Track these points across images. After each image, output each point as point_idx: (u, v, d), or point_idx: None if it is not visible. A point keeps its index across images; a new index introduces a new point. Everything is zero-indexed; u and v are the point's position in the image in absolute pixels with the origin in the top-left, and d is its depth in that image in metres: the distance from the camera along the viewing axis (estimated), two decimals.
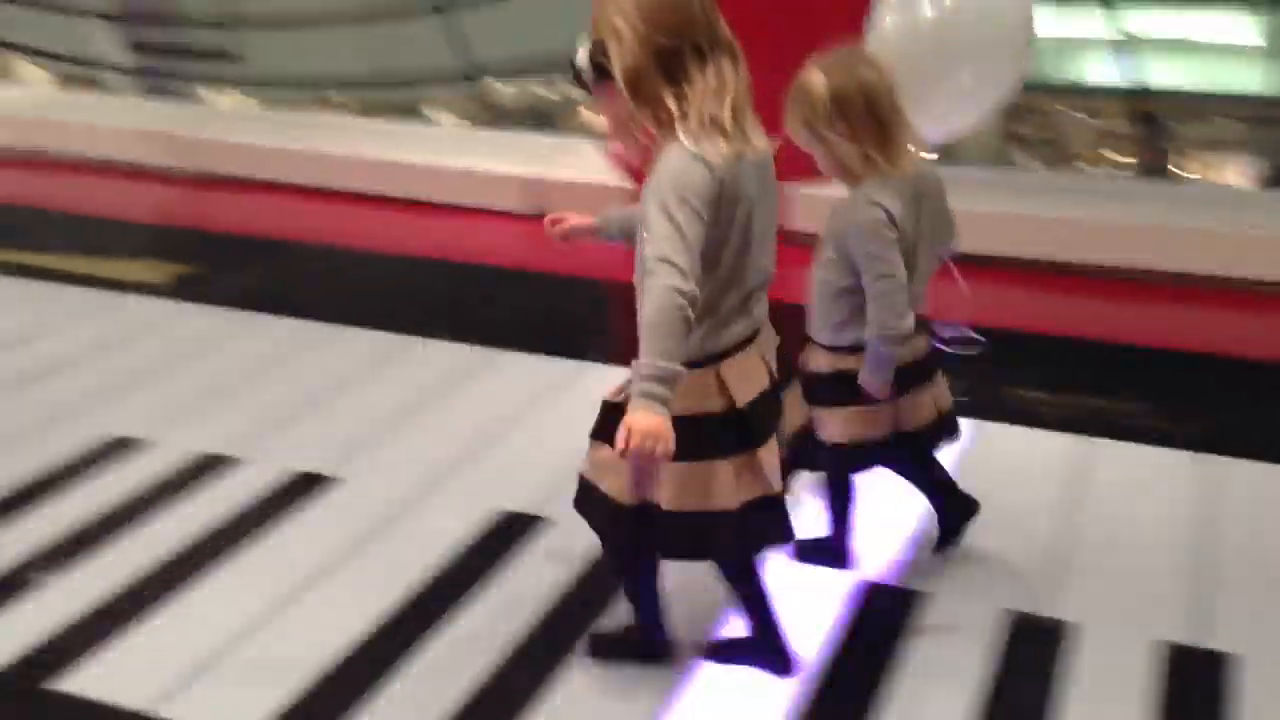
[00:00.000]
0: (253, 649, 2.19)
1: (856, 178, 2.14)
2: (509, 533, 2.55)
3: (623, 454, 1.68)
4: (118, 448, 2.94)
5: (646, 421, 1.67)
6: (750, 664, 2.12)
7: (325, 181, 5.04)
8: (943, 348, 2.46)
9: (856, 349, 2.18)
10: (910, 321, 2.13)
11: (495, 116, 5.73)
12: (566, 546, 2.47)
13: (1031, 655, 2.13)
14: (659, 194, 1.73)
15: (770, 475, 1.93)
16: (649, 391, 1.68)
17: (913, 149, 2.15)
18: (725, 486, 1.89)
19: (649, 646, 2.14)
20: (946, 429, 2.34)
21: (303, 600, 2.33)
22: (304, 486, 2.75)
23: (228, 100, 6.06)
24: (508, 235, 4.57)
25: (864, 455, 2.30)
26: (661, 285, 1.70)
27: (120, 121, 5.50)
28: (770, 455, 1.94)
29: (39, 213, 4.99)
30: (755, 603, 2.08)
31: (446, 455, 2.88)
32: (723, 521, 1.89)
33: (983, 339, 2.99)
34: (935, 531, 2.42)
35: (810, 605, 2.28)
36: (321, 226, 4.68)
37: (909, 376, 2.23)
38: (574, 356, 3.38)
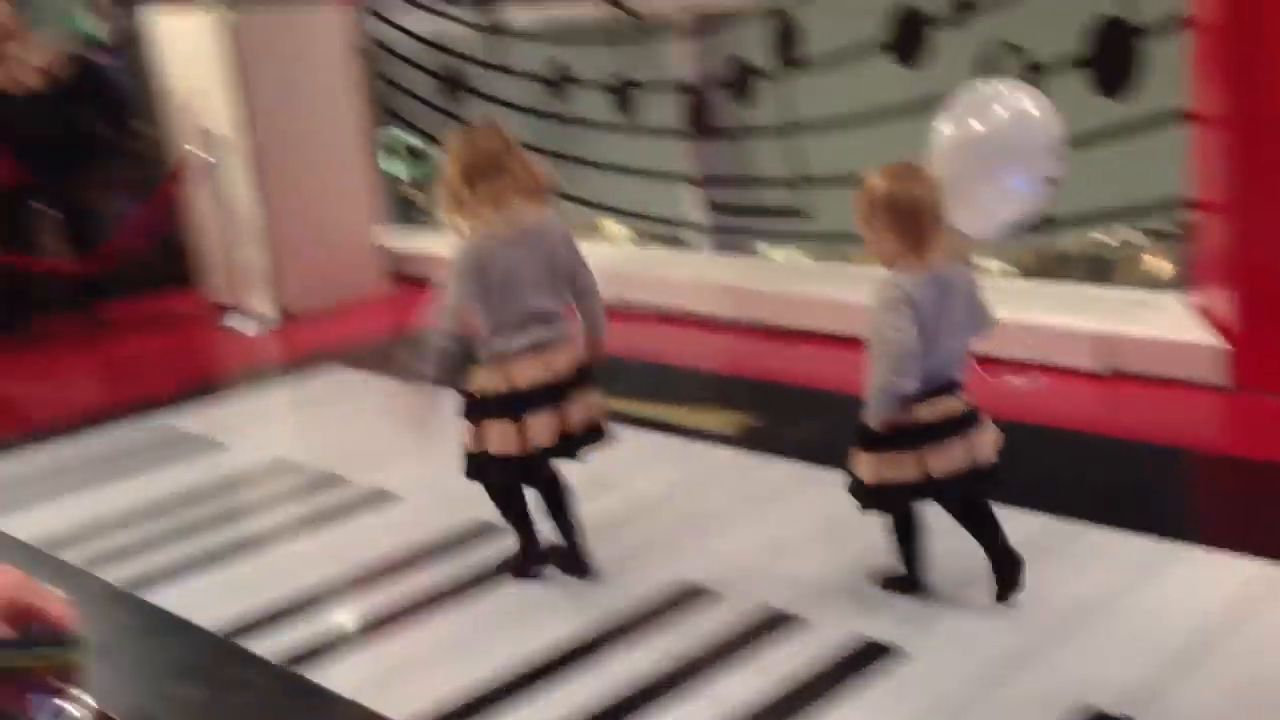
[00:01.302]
0: None
1: (892, 265, 2.69)
2: None
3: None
4: (689, 595, 3.05)
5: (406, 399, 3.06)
6: (514, 572, 3.23)
7: None
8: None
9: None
10: (908, 382, 2.65)
11: (1049, 265, 5.52)
12: None
13: None
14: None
15: (533, 437, 2.98)
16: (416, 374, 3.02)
17: (948, 252, 2.68)
18: (502, 438, 2.98)
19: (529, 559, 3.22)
20: (982, 481, 2.76)
21: None
22: (868, 654, 2.70)
23: (783, 254, 6.33)
24: (1077, 395, 4.32)
25: (893, 495, 2.79)
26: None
27: (692, 275, 5.89)
28: (537, 424, 2.98)
29: (621, 360, 5.42)
30: (517, 523, 3.21)
31: (1022, 636, 2.71)
32: (496, 461, 3.02)
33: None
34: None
35: None
36: None
37: (940, 430, 2.70)
38: (1158, 533, 3.09)
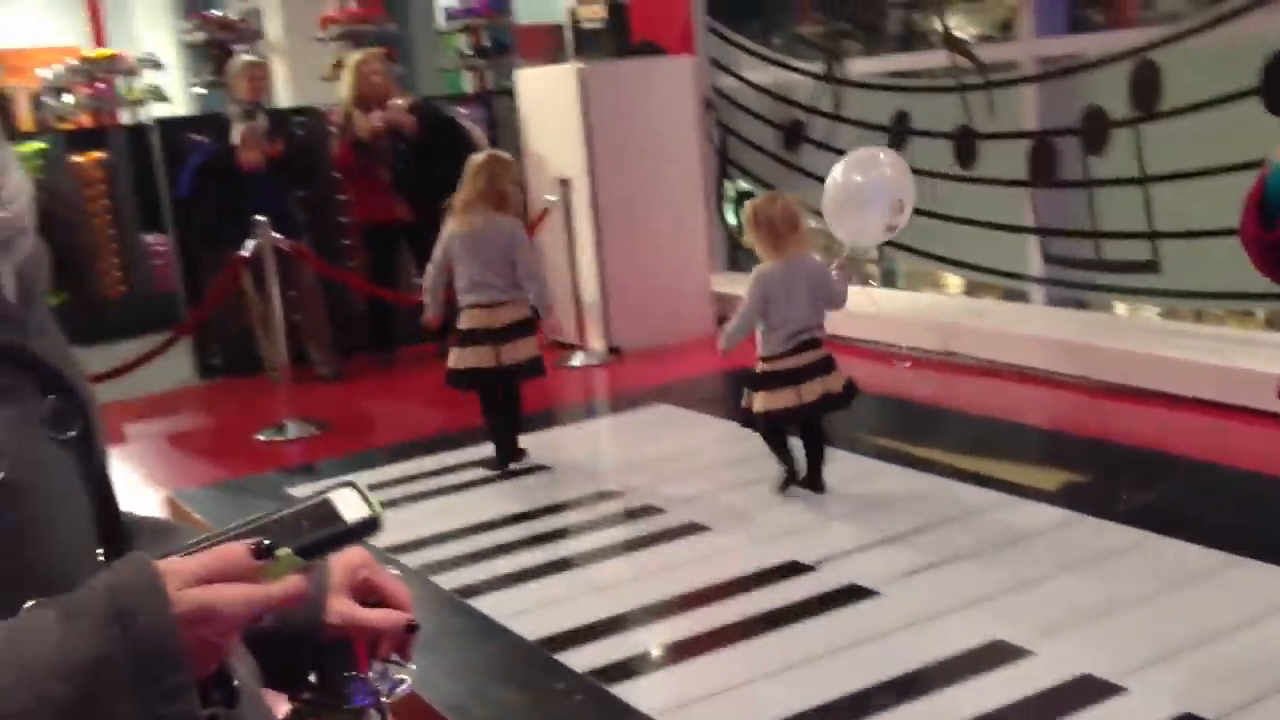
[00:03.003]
0: None
1: (763, 258, 4.00)
2: None
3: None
4: (996, 652, 2.95)
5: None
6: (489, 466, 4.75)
7: (1239, 399, 4.72)
8: None
9: (765, 358, 3.97)
10: (738, 338, 4.06)
11: None
12: None
13: None
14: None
15: (478, 361, 4.53)
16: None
17: (802, 249, 3.99)
18: (462, 358, 4.57)
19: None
20: (835, 404, 4.00)
21: None
22: None
23: (1126, 310, 6.01)
24: None
25: (777, 419, 3.99)
26: None
27: (1024, 328, 5.71)
28: (478, 353, 4.52)
29: (943, 411, 5.33)
30: (489, 424, 4.76)
31: None
32: (463, 373, 4.62)
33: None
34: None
35: None
36: (1230, 447, 4.37)
37: (798, 376, 3.92)
38: None
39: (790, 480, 4.09)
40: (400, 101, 6.73)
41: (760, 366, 3.99)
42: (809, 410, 3.96)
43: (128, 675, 0.73)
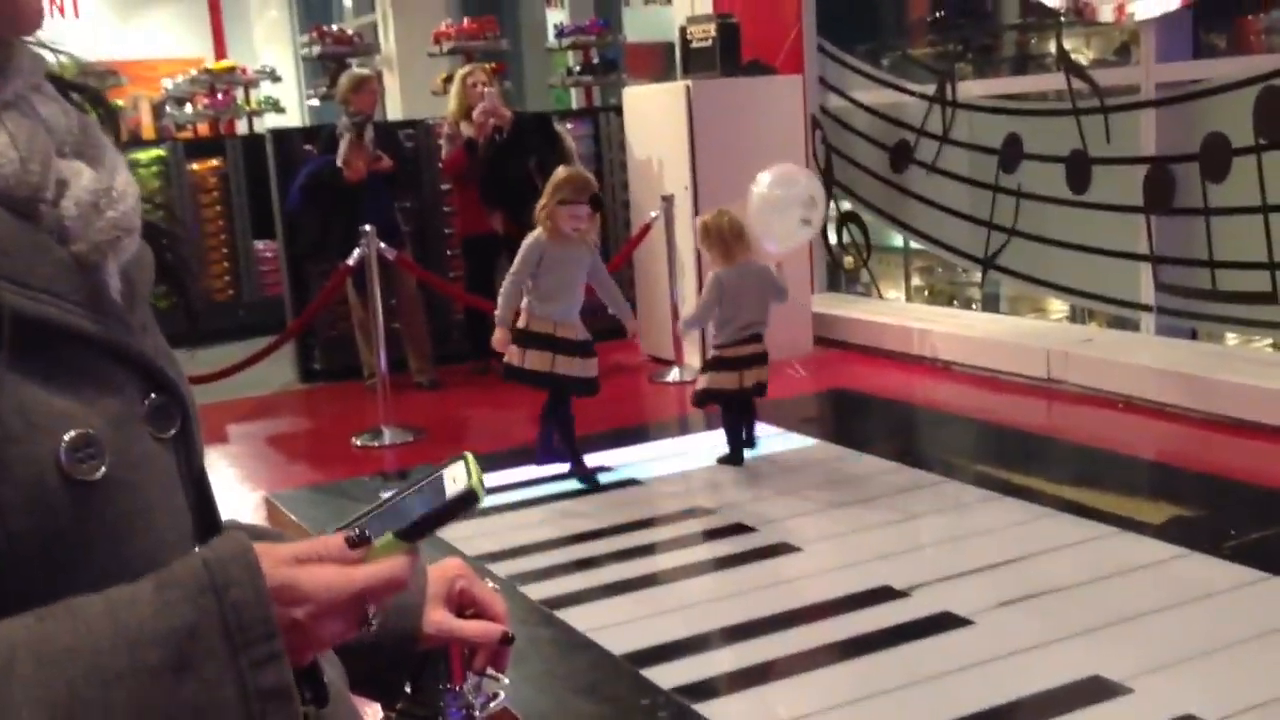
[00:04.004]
0: None
1: (716, 264, 4.67)
2: None
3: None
4: (1093, 688, 2.85)
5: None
6: (556, 460, 4.86)
7: None
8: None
9: (718, 346, 4.74)
10: (694, 327, 5.26)
11: None
12: None
13: None
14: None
15: (543, 365, 4.57)
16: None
17: (748, 255, 4.67)
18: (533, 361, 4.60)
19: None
20: (756, 393, 4.76)
21: None
22: None
23: (1236, 342, 5.82)
24: None
25: (715, 397, 4.78)
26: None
27: (1133, 357, 5.55)
28: (544, 356, 4.56)
29: (1046, 440, 5.20)
30: (560, 426, 4.79)
31: None
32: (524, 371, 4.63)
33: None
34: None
35: None
36: None
37: (742, 363, 4.66)
38: None
39: (732, 460, 4.81)
40: (493, 89, 6.77)
41: (712, 353, 4.77)
42: (745, 394, 4.73)
43: (220, 644, 0.75)
